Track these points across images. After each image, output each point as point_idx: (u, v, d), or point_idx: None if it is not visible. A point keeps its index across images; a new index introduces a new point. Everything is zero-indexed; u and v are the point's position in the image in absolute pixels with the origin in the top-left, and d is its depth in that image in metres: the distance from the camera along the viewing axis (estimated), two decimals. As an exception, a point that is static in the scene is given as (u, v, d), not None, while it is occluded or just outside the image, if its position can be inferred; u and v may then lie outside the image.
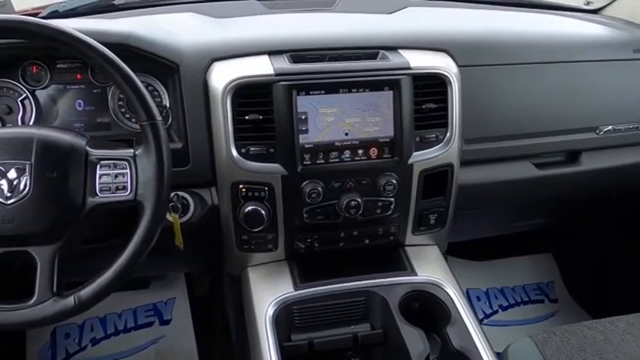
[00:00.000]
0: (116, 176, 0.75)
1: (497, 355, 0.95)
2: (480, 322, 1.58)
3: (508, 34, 1.16)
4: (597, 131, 1.18)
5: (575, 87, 1.15)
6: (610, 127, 1.18)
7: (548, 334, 0.98)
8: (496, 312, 1.60)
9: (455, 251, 1.70)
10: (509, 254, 1.78)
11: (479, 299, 1.62)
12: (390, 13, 1.23)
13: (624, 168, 1.20)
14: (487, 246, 1.70)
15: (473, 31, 1.13)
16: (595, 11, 1.46)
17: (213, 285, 1.56)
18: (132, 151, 0.77)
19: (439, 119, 0.99)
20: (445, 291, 0.96)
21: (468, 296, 1.63)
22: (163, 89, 0.98)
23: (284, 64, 0.93)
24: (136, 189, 0.75)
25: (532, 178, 1.14)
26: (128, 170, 0.76)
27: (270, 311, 0.90)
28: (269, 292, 0.94)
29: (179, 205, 0.94)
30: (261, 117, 0.91)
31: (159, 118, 0.76)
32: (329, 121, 0.93)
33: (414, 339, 0.85)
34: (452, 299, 0.94)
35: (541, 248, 1.80)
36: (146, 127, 0.76)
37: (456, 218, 1.13)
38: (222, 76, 0.91)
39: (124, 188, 0.75)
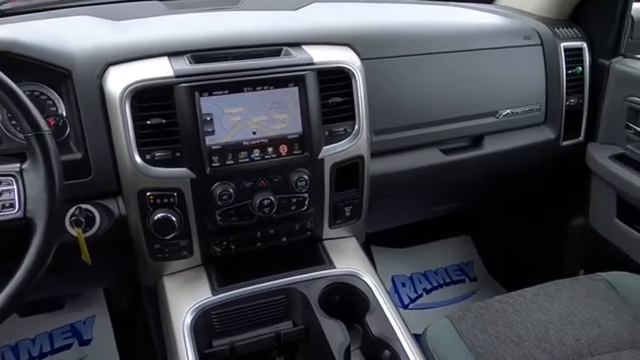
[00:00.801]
0: (1, 193, 0.70)
1: (418, 337, 0.99)
2: (406, 306, 1.64)
3: (409, 26, 1.20)
4: (497, 115, 1.24)
5: (474, 74, 1.21)
6: (508, 111, 1.25)
7: (464, 312, 1.02)
8: (421, 295, 1.65)
9: (379, 240, 1.75)
10: (431, 239, 1.84)
11: (404, 285, 1.67)
12: (296, 9, 1.23)
13: (521, 149, 1.28)
14: (409, 233, 1.76)
15: (375, 25, 1.16)
16: (490, 1, 1.54)
17: (134, 298, 1.51)
18: (18, 165, 0.72)
19: (346, 112, 1.01)
20: (363, 281, 0.97)
21: (393, 283, 1.68)
22: (58, 97, 0.92)
23: (184, 65, 0.91)
24: (25, 206, 0.71)
25: (440, 164, 1.19)
26: (15, 186, 0.71)
27: (188, 319, 0.87)
28: (186, 300, 0.91)
29: (82, 219, 0.89)
30: (164, 121, 0.88)
31: (45, 128, 0.72)
32: (235, 120, 0.92)
33: (334, 331, 0.86)
34: (370, 288, 0.96)
35: (460, 231, 1.88)
36: (31, 138, 0.71)
37: (372, 208, 1.16)
38: (118, 81, 0.88)
39: (11, 206, 0.70)
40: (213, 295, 0.92)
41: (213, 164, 0.91)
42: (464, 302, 1.66)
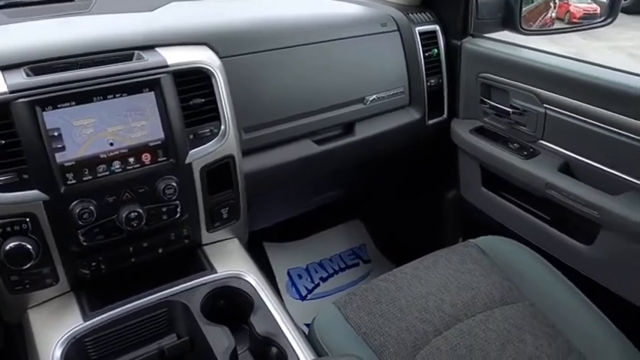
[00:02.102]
0: None
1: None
2: (304, 298, 1.65)
3: (269, 20, 1.20)
4: (364, 102, 1.28)
5: (337, 63, 1.24)
6: (374, 96, 1.29)
7: (349, 297, 1.05)
8: (318, 285, 1.68)
9: (271, 236, 1.75)
10: (324, 227, 1.88)
11: (300, 277, 1.69)
12: (152, 10, 1.18)
13: (391, 131, 1.33)
14: (302, 224, 1.78)
15: (233, 22, 1.15)
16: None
17: (7, 336, 1.37)
18: None
19: (210, 113, 0.99)
20: (246, 281, 0.96)
21: (289, 276, 1.69)
22: None
23: (20, 78, 0.84)
24: None
25: (314, 155, 1.21)
26: None
27: (58, 352, 0.81)
28: (54, 331, 0.84)
29: None
30: (3, 142, 0.81)
31: None
32: (88, 133, 0.86)
33: (218, 338, 0.84)
34: (253, 288, 0.95)
35: (350, 216, 1.93)
36: None
37: (252, 206, 1.15)
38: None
39: None
40: (85, 320, 0.86)
41: (69, 182, 0.85)
42: (358, 285, 1.72)
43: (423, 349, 0.94)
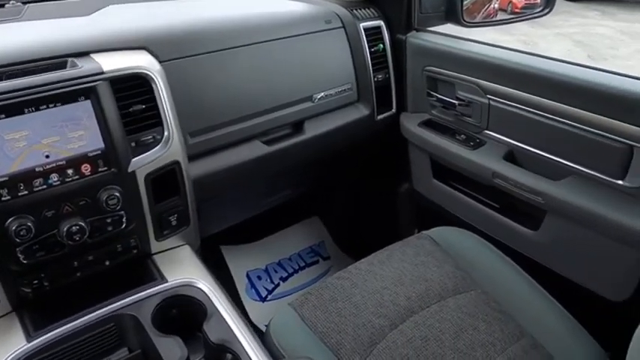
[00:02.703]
0: None
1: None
2: (264, 299, 1.64)
3: (211, 22, 1.18)
4: (313, 100, 1.28)
5: (284, 62, 1.23)
6: (322, 94, 1.29)
7: (305, 296, 1.05)
8: (278, 285, 1.67)
9: (229, 239, 1.73)
10: (282, 226, 1.87)
11: (260, 278, 1.67)
12: (89, 14, 1.14)
13: (341, 128, 1.33)
14: (259, 225, 1.76)
15: (173, 25, 1.12)
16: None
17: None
18: None
19: (152, 119, 0.96)
20: (198, 288, 0.94)
21: (248, 278, 1.67)
22: None
23: None
24: None
25: (264, 156, 1.19)
26: None
27: (-1, 378, 0.78)
28: (-6, 356, 0.81)
29: None
30: None
31: None
32: (21, 146, 0.82)
33: (170, 349, 0.82)
34: (206, 294, 0.93)
35: (308, 213, 1.93)
36: None
37: (205, 210, 1.13)
38: None
39: None
40: (29, 341, 0.83)
41: (3, 198, 0.81)
42: (319, 282, 1.71)
43: (380, 343, 0.95)
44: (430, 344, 0.95)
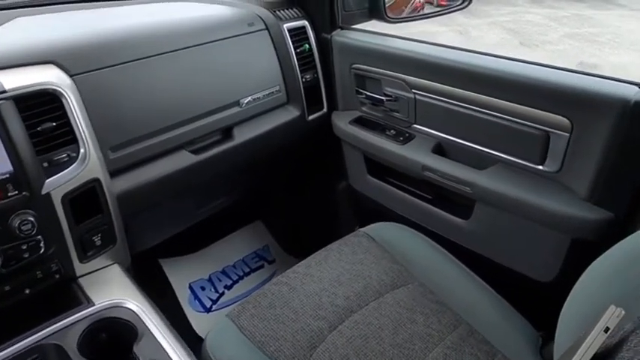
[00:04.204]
0: None
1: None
2: (209, 309, 1.61)
3: (126, 30, 1.12)
4: (240, 105, 1.26)
5: (207, 68, 1.20)
6: (249, 98, 1.27)
7: (243, 306, 1.03)
8: (222, 294, 1.64)
9: (169, 251, 1.68)
10: (224, 234, 1.83)
11: (203, 288, 1.64)
12: None
13: (271, 131, 1.32)
14: (200, 234, 1.72)
15: (84, 35, 1.06)
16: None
17: None
18: None
19: (65, 136, 0.92)
20: (127, 308, 0.91)
21: (191, 290, 1.63)
22: None
23: None
24: None
25: (192, 165, 1.16)
26: None
27: None
28: None
29: None
30: None
31: None
32: None
33: (97, 376, 0.79)
34: (135, 314, 0.90)
35: (250, 218, 1.90)
36: None
37: (136, 225, 1.09)
38: None
39: None
40: (-58, 382, 0.78)
41: None
42: (266, 287, 1.70)
43: (319, 346, 0.95)
44: (370, 342, 0.95)
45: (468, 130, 1.18)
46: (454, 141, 1.21)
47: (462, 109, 1.16)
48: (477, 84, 1.11)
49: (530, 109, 1.04)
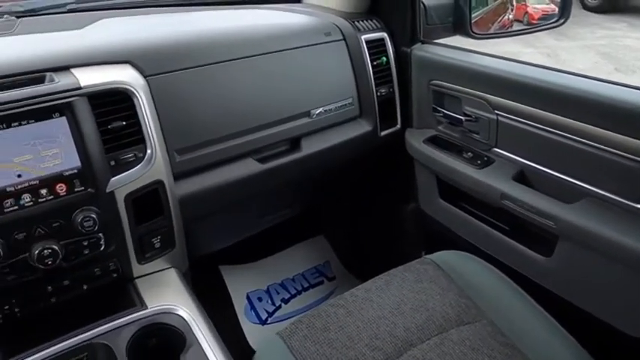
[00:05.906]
0: None
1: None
2: (265, 322, 1.58)
3: (202, 35, 1.13)
4: (310, 115, 1.22)
5: (280, 76, 1.18)
6: (321, 109, 1.23)
7: (295, 325, 0.98)
8: (279, 307, 1.60)
9: (229, 258, 1.67)
10: (285, 246, 1.80)
11: (260, 300, 1.61)
12: (81, 28, 1.11)
13: (341, 145, 1.27)
14: (261, 243, 1.70)
15: (161, 38, 1.08)
16: (299, 0, 1.53)
17: None
18: None
19: (134, 136, 0.92)
20: (178, 315, 0.89)
21: (248, 300, 1.61)
22: None
23: None
24: None
25: (257, 174, 1.14)
26: None
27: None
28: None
29: None
30: None
31: None
32: (-9, 165, 0.79)
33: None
34: (186, 322, 0.88)
35: (313, 232, 1.86)
36: None
37: (198, 230, 1.07)
38: None
39: None
40: (-5, 371, 0.79)
41: (-29, 219, 0.77)
42: (323, 304, 1.65)
43: (373, 380, 0.88)
44: (428, 382, 0.87)
45: (556, 158, 1.07)
46: (538, 169, 1.11)
47: (549, 135, 1.05)
48: (568, 108, 1.00)
49: (628, 138, 0.92)
